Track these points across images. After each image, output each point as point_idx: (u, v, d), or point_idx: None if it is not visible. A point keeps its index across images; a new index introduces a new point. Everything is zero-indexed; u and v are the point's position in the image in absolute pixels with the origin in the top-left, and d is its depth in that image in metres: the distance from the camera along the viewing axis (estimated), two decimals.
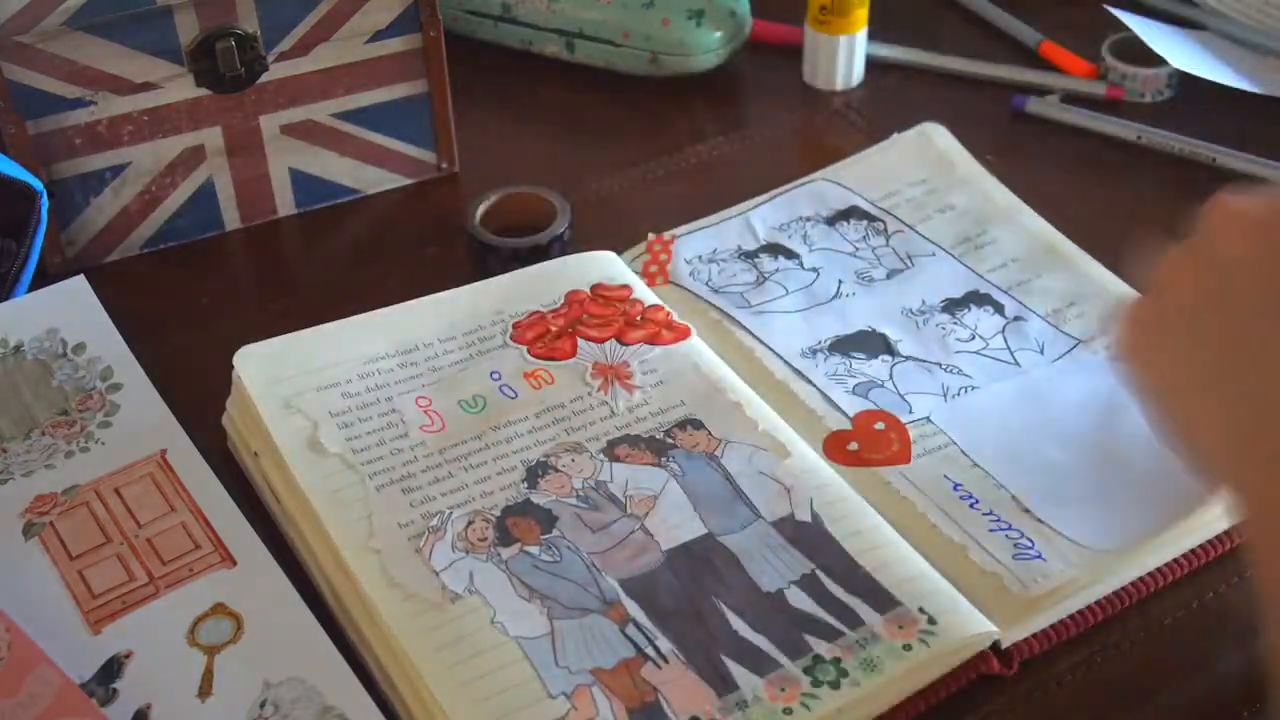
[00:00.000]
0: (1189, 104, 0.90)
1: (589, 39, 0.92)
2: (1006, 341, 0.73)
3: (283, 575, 0.63)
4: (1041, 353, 0.72)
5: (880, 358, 0.72)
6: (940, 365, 0.71)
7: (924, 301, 0.75)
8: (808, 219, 0.80)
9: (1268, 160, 0.84)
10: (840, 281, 0.76)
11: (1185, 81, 0.89)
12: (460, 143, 0.86)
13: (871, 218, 0.80)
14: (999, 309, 0.74)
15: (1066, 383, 0.70)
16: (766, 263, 0.77)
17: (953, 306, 0.75)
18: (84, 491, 0.66)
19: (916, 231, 0.79)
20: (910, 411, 0.69)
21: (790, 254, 0.78)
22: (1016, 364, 0.71)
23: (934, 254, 0.78)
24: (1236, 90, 0.87)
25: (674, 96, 0.92)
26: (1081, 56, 0.92)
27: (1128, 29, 0.90)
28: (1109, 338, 0.65)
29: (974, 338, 0.73)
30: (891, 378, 0.71)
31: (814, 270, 0.77)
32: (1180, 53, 0.88)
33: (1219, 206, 0.56)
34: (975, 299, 0.75)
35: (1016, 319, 0.74)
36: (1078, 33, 0.94)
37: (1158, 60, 0.88)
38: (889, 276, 0.76)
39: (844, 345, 0.72)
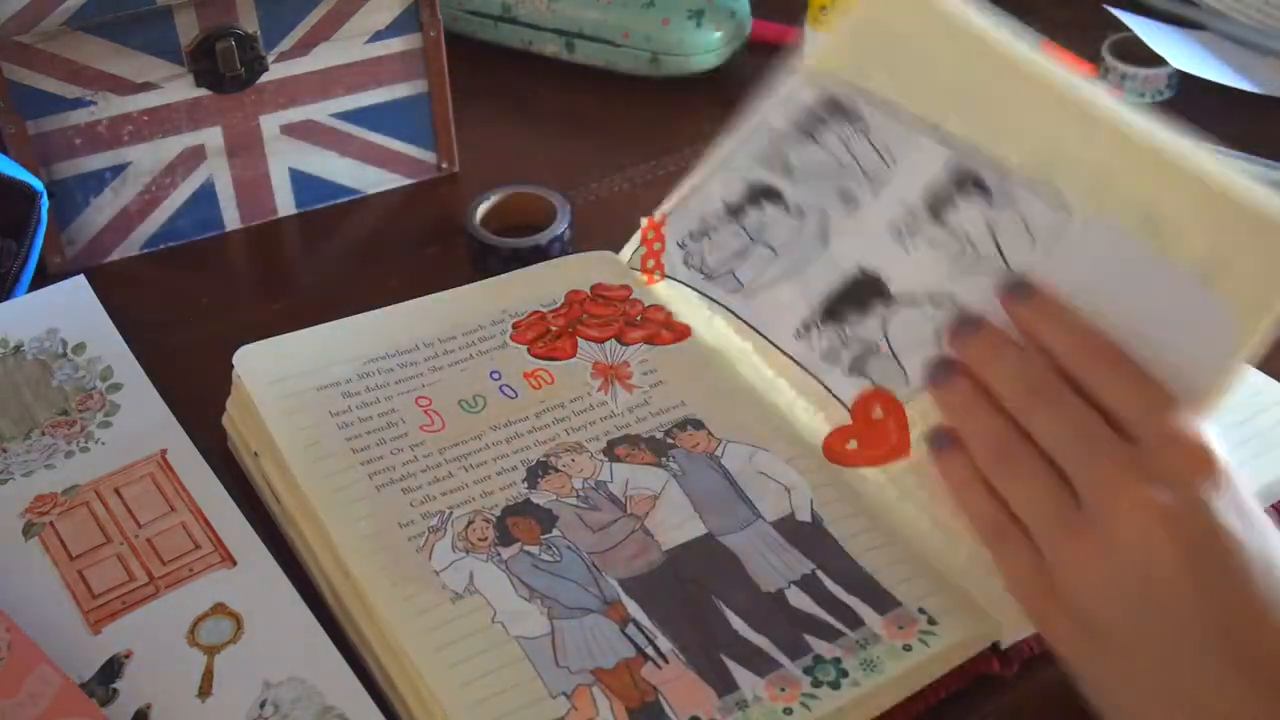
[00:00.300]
0: (1189, 104, 0.90)
1: (589, 39, 0.92)
2: (996, 241, 0.67)
3: (283, 575, 0.63)
4: (1034, 241, 0.65)
5: (874, 312, 0.69)
6: (931, 299, 0.68)
7: (906, 205, 0.69)
8: (785, 135, 0.75)
9: (1268, 160, 0.84)
10: (827, 215, 0.72)
11: (1185, 81, 0.89)
12: (460, 143, 0.86)
13: (851, 115, 0.73)
14: (985, 193, 0.68)
15: (1063, 277, 0.64)
16: (753, 216, 0.75)
17: (937, 206, 0.69)
18: (84, 491, 0.66)
19: (895, 118, 0.72)
20: (908, 382, 0.67)
21: (774, 194, 0.75)
22: (1006, 265, 0.66)
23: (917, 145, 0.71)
24: (1236, 90, 0.87)
25: (674, 96, 0.93)
26: (1081, 56, 0.93)
27: (1128, 29, 0.90)
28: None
29: (964, 250, 0.67)
30: (887, 337, 0.68)
31: (799, 211, 0.74)
32: (1180, 53, 0.89)
33: (1134, 507, 0.52)
34: (959, 183, 0.68)
35: (1005, 200, 0.67)
36: (1078, 33, 0.94)
37: (1158, 60, 0.88)
38: (874, 192, 0.71)
39: (836, 307, 0.70)
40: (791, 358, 0.71)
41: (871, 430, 0.68)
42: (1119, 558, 0.52)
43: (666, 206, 0.78)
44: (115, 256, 0.82)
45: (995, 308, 0.63)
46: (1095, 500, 0.53)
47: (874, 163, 0.73)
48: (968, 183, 0.69)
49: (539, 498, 0.64)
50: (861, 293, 0.70)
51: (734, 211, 0.75)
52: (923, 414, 0.67)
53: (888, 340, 0.69)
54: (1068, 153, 0.66)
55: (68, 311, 0.74)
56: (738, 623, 0.59)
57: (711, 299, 0.74)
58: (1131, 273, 0.60)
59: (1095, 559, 0.52)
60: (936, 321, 0.67)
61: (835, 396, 0.69)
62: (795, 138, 0.75)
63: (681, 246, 0.77)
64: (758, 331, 0.72)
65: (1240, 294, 0.58)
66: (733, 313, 0.73)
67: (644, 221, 0.78)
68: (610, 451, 0.66)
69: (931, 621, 0.59)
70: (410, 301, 0.73)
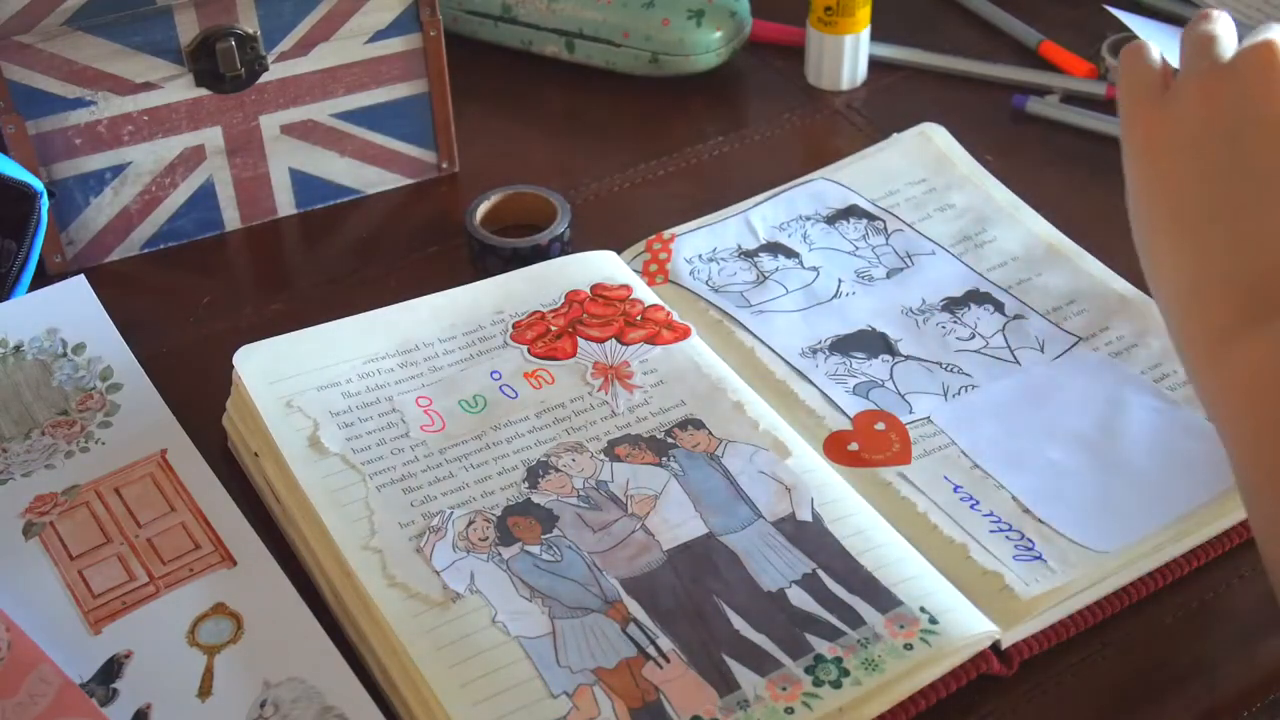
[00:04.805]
0: None
1: (589, 39, 0.92)
2: (1007, 340, 0.73)
3: (283, 575, 0.63)
4: (1042, 350, 0.72)
5: (880, 357, 0.72)
6: (941, 364, 0.71)
7: (924, 300, 0.75)
8: (807, 218, 0.80)
9: None
10: (840, 280, 0.76)
11: None
12: (460, 143, 0.86)
13: (871, 217, 0.80)
14: (999, 307, 0.74)
15: (1067, 380, 0.70)
16: (766, 261, 0.77)
17: (953, 305, 0.75)
18: (84, 491, 0.66)
19: (916, 230, 0.79)
20: (910, 411, 0.69)
21: (790, 253, 0.78)
22: (1017, 362, 0.71)
23: (933, 253, 0.78)
24: None
25: (674, 96, 0.92)
26: (1081, 56, 0.92)
27: (1128, 29, 0.90)
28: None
29: (974, 336, 0.73)
30: (892, 377, 0.71)
31: (814, 269, 0.77)
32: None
33: (1267, 52, 0.59)
34: (975, 297, 0.75)
35: (1017, 317, 0.74)
36: (1078, 33, 0.94)
37: None
38: (889, 275, 0.76)
39: (844, 345, 0.73)
40: (795, 369, 0.71)
41: (872, 438, 0.68)
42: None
43: (678, 229, 0.79)
44: (115, 256, 0.82)
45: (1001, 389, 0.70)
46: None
47: (891, 257, 0.78)
48: (986, 301, 0.76)
49: (540, 497, 0.64)
50: (870, 342, 0.73)
51: (748, 254, 0.77)
52: (923, 436, 0.68)
53: (893, 380, 0.70)
54: None
55: (68, 311, 0.74)
56: (739, 622, 0.59)
57: (718, 307, 0.74)
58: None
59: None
60: (942, 378, 0.71)
61: (838, 408, 0.69)
62: (817, 220, 0.80)
63: (689, 263, 0.77)
64: (763, 342, 0.73)
65: None
66: (739, 323, 0.73)
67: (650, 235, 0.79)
68: (611, 451, 0.66)
69: (933, 621, 0.59)
70: (410, 301, 0.73)
